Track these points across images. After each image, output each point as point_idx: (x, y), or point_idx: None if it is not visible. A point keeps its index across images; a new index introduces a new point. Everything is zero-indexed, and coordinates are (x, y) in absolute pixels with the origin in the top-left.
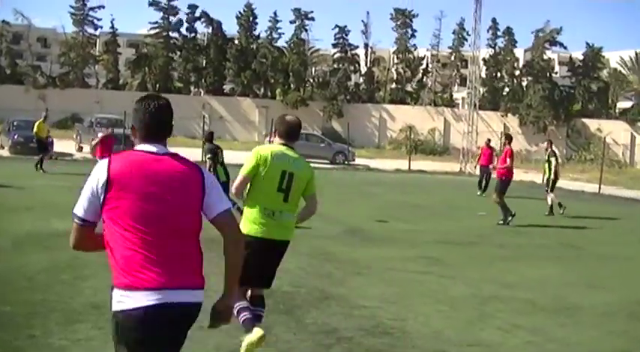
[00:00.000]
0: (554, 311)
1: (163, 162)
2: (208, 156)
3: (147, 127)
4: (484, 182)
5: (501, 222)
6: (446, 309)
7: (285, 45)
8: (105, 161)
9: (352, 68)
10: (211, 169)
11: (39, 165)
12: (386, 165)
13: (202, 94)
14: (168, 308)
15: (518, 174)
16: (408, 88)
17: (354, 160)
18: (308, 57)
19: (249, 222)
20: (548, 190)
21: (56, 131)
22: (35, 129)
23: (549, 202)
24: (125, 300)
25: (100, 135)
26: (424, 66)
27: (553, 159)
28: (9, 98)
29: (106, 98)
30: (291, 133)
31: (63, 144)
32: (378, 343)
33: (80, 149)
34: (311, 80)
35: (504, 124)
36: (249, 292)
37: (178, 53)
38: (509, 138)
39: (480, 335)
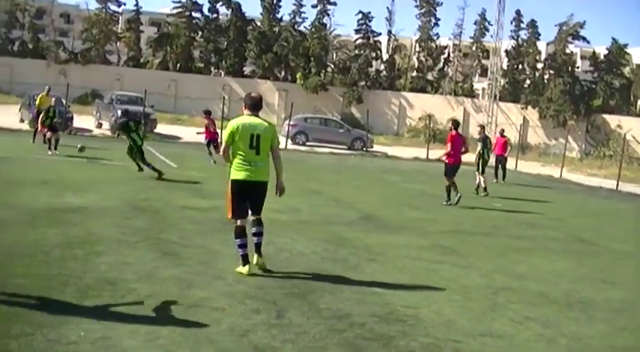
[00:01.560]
0: (567, 304)
1: None
2: None
3: None
4: (500, 170)
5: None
6: (458, 299)
7: (307, 29)
8: None
9: (374, 55)
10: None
11: (50, 147)
12: (404, 153)
13: (223, 75)
14: None
15: (537, 168)
16: (429, 76)
17: (372, 147)
18: (329, 42)
19: (236, 171)
20: (480, 171)
21: (76, 106)
22: (37, 102)
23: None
24: None
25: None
26: (446, 55)
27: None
28: (30, 72)
29: (126, 75)
30: (254, 106)
31: (82, 120)
32: (391, 330)
33: (99, 125)
34: (332, 65)
35: (524, 117)
36: (250, 218)
37: (200, 33)
38: (454, 124)
39: (492, 326)
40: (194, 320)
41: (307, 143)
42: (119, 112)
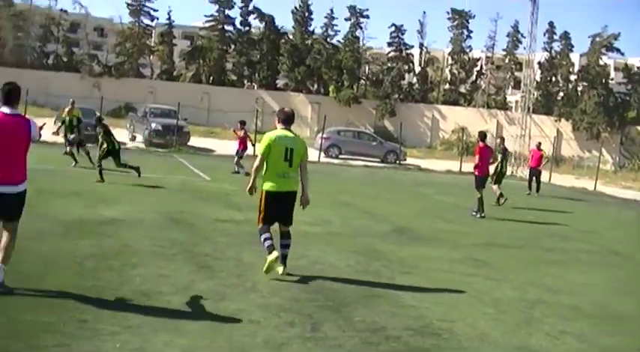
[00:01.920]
0: (601, 318)
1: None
2: None
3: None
4: (534, 183)
5: (474, 212)
6: (492, 312)
7: (340, 42)
8: None
9: (406, 67)
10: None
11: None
12: (437, 166)
13: (255, 88)
14: None
15: (570, 180)
16: (462, 89)
17: (405, 160)
18: (362, 54)
19: (269, 183)
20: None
21: (110, 119)
22: (64, 115)
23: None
24: None
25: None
26: (478, 67)
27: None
28: (65, 85)
29: (159, 88)
30: (287, 120)
31: (116, 133)
32: (426, 343)
33: (133, 138)
34: (364, 78)
35: (557, 129)
36: (280, 229)
37: (232, 46)
38: (481, 136)
39: (528, 340)
40: (229, 332)
41: (340, 156)
42: (153, 125)
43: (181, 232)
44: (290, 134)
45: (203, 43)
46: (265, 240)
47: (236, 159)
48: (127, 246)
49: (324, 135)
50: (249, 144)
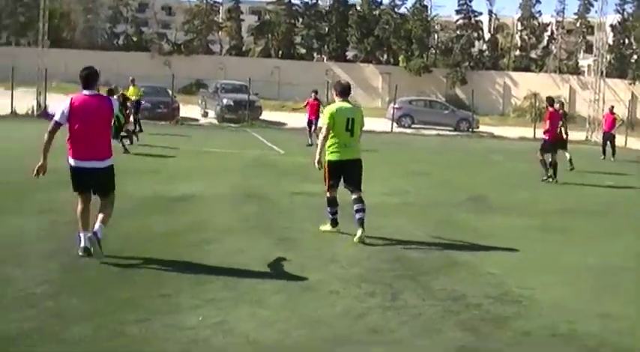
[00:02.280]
0: None
1: None
2: None
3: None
4: (609, 148)
5: (544, 178)
6: (572, 280)
7: (408, 11)
8: None
9: (475, 35)
10: None
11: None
12: (510, 133)
13: (325, 61)
14: None
15: None
16: (533, 55)
17: (477, 128)
18: (430, 23)
19: (332, 153)
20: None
21: (181, 96)
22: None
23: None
24: None
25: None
26: (549, 33)
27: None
28: (135, 65)
29: (229, 64)
30: (344, 92)
31: (188, 109)
32: (506, 311)
33: (205, 114)
34: (434, 47)
35: (632, 92)
36: (352, 196)
37: (300, 20)
38: (549, 101)
39: (610, 308)
40: (310, 303)
41: (412, 125)
42: (225, 101)
43: (258, 206)
44: (349, 105)
45: (271, 17)
46: (331, 213)
47: (309, 130)
48: (204, 221)
49: (396, 105)
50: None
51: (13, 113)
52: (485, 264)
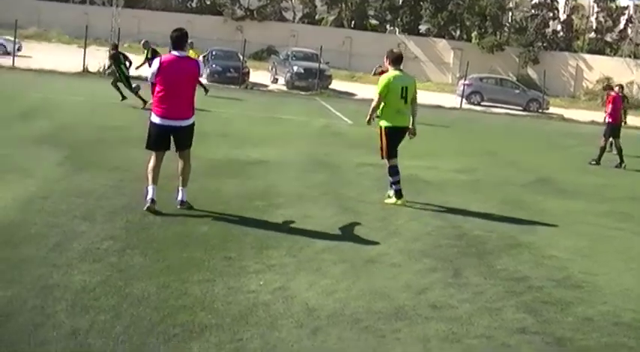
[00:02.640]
0: None
1: None
2: None
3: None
4: None
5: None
6: (638, 267)
7: None
8: None
9: (550, 15)
10: None
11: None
12: (580, 116)
13: (397, 33)
14: None
15: None
16: (608, 38)
17: (547, 109)
18: (505, 1)
19: (388, 119)
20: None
21: (252, 62)
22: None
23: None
24: None
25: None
26: (626, 16)
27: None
28: (208, 28)
29: (301, 32)
30: (397, 60)
31: (258, 75)
32: (568, 295)
33: (275, 81)
34: (508, 25)
35: None
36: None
37: None
38: (609, 87)
39: None
40: (371, 275)
41: (482, 103)
42: (295, 68)
43: (325, 175)
44: (402, 74)
45: None
46: (394, 183)
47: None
48: (272, 186)
49: (466, 82)
50: None
51: (85, 70)
52: (549, 247)
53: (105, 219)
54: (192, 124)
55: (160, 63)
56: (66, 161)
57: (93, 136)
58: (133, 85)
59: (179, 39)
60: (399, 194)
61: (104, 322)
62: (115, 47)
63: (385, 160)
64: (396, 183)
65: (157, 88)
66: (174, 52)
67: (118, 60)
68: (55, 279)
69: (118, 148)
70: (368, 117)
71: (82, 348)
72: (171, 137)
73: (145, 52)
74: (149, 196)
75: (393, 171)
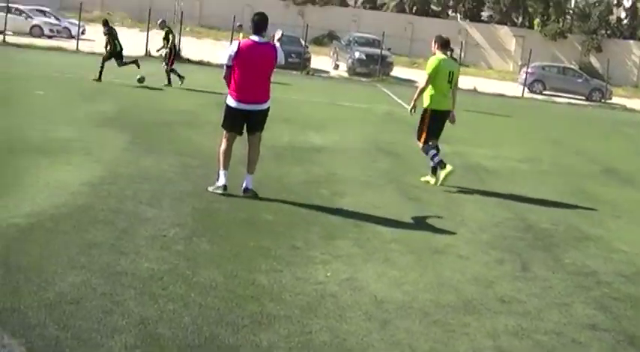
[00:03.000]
0: None
1: None
2: None
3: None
4: None
5: None
6: None
7: None
8: None
9: (615, 1)
10: None
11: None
12: None
13: (459, 19)
14: None
15: None
16: None
17: (610, 99)
18: None
19: (434, 101)
20: None
21: (313, 47)
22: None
23: None
24: None
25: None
26: None
27: None
28: (269, 12)
29: (363, 17)
30: (445, 45)
31: (319, 61)
32: (638, 291)
33: (336, 67)
34: (571, 12)
35: None
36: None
37: None
38: None
39: None
40: (439, 266)
41: (544, 92)
42: (357, 54)
43: (389, 162)
44: (449, 58)
45: None
46: (434, 156)
47: None
48: (335, 173)
49: (529, 70)
50: None
51: (148, 54)
52: (617, 241)
53: (171, 205)
54: (268, 109)
55: (239, 47)
56: (131, 145)
57: (156, 120)
58: (138, 77)
59: (260, 23)
60: (441, 164)
61: (173, 311)
62: (106, 23)
63: (420, 144)
64: (435, 155)
65: (235, 72)
66: (254, 37)
67: (112, 35)
68: (124, 266)
69: (182, 132)
70: (412, 103)
71: (152, 337)
72: (245, 121)
73: (165, 31)
74: (221, 182)
75: (432, 147)
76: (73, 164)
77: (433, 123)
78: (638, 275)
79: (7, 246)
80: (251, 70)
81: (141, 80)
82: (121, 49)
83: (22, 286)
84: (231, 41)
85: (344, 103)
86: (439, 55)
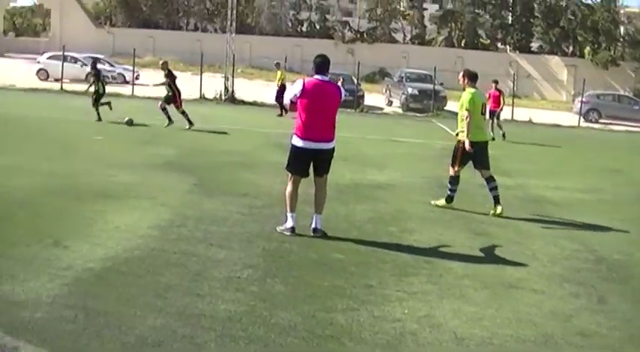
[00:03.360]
0: None
1: None
2: None
3: None
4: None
5: None
6: None
7: (594, 2)
8: None
9: None
10: None
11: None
12: None
13: (508, 51)
14: None
15: None
16: None
17: None
18: (619, 15)
19: (472, 134)
20: None
21: (365, 85)
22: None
23: None
24: None
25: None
26: None
27: None
28: (319, 51)
29: (412, 53)
30: (474, 78)
31: (372, 98)
32: None
33: (390, 103)
34: (622, 39)
35: None
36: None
37: (484, 9)
38: None
39: None
40: (514, 301)
41: (600, 120)
42: (409, 90)
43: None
44: (478, 90)
45: (454, 6)
46: (453, 190)
47: (491, 122)
48: (402, 211)
49: (583, 99)
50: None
51: (202, 97)
52: None
53: (241, 246)
54: (334, 149)
55: (304, 85)
56: (194, 187)
57: (216, 162)
58: (126, 119)
59: (322, 64)
60: (450, 199)
61: None
62: (95, 63)
63: (452, 171)
64: (454, 190)
65: (300, 111)
66: (317, 76)
67: (98, 76)
68: (201, 308)
69: (243, 173)
70: (468, 142)
71: None
72: (312, 162)
73: (164, 71)
74: (289, 224)
75: (455, 179)
76: (140, 208)
77: (466, 153)
78: None
79: (84, 291)
80: (317, 108)
81: (129, 123)
82: (104, 91)
83: (103, 330)
84: (278, 80)
85: (400, 139)
86: (470, 89)
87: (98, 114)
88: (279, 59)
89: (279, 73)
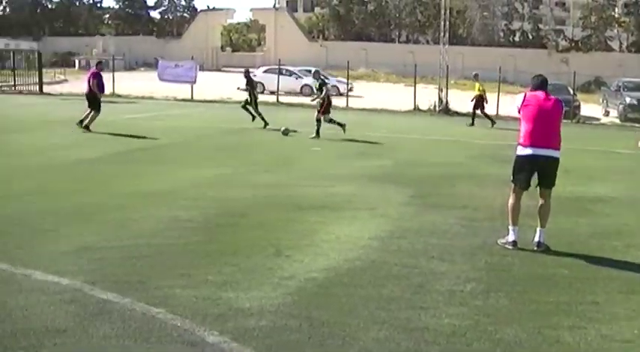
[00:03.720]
0: None
1: None
2: None
3: None
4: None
5: None
6: None
7: None
8: None
9: None
10: None
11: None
12: None
13: None
14: None
15: None
16: None
17: None
18: None
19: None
20: None
21: (580, 95)
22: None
23: None
24: None
25: None
26: None
27: None
28: (532, 61)
29: (629, 61)
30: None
31: (587, 108)
32: None
33: (607, 114)
34: None
35: None
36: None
37: None
38: None
39: None
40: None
41: None
42: (628, 100)
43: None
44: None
45: None
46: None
47: None
48: (625, 224)
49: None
50: None
51: (416, 109)
52: None
53: (463, 259)
54: (558, 160)
55: (525, 96)
56: (412, 199)
57: (432, 173)
58: (282, 129)
59: (539, 84)
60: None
61: None
62: (247, 72)
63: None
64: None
65: (523, 122)
66: (539, 93)
67: (252, 83)
68: (424, 322)
69: (461, 185)
70: None
71: None
72: (536, 173)
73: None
74: (511, 238)
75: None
76: (359, 219)
77: None
78: None
79: (308, 301)
80: (539, 116)
81: (285, 132)
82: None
83: (327, 341)
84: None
85: (620, 151)
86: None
87: (263, 119)
88: (494, 70)
89: (476, 84)
